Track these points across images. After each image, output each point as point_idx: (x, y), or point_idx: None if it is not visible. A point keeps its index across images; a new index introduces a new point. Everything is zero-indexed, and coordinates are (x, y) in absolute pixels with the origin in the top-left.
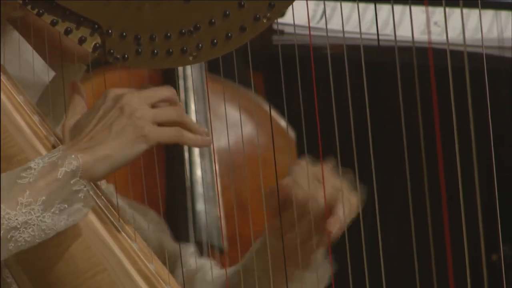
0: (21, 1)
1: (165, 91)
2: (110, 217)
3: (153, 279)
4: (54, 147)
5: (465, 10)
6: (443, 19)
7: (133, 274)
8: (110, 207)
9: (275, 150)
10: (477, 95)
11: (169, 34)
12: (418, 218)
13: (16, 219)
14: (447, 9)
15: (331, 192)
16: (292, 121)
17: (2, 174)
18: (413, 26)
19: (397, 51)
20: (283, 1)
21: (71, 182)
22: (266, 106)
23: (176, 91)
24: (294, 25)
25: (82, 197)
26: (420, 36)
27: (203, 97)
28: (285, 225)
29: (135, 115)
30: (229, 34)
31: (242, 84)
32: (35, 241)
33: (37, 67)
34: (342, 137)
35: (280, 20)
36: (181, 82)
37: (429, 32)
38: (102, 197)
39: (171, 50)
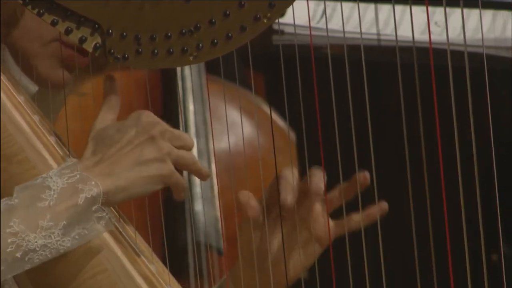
0: (21, 1)
1: (190, 139)
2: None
3: (153, 279)
4: (54, 147)
5: (465, 10)
6: (443, 19)
7: (133, 274)
8: (111, 207)
9: (275, 150)
10: (477, 95)
11: (169, 34)
12: (418, 217)
13: (36, 242)
14: (447, 9)
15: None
16: (292, 121)
17: (20, 193)
18: (413, 26)
19: (397, 51)
20: (284, 1)
21: (92, 209)
22: (266, 107)
23: (176, 91)
24: (295, 25)
25: (104, 224)
26: (420, 36)
27: (201, 97)
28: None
29: (164, 151)
30: (229, 34)
31: (241, 84)
32: (48, 258)
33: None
34: (342, 137)
35: (280, 20)
36: (179, 83)
37: (429, 32)
38: None
39: (171, 50)
